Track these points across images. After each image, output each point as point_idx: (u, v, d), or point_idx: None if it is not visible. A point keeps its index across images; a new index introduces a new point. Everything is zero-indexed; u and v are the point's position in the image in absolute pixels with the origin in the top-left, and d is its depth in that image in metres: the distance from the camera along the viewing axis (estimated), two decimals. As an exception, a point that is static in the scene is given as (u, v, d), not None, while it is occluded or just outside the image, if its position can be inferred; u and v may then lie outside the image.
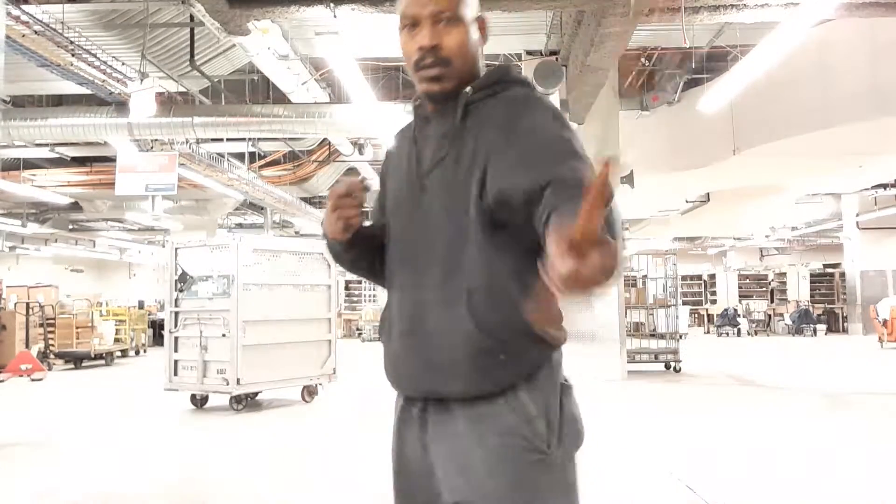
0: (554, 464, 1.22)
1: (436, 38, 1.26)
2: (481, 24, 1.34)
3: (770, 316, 21.47)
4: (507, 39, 9.08)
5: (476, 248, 1.23)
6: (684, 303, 16.30)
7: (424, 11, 1.27)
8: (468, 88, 1.30)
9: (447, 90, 1.29)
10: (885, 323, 14.81)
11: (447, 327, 1.23)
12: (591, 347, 9.15)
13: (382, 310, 1.43)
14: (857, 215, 18.80)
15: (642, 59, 10.68)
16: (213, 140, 11.49)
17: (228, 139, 11.80)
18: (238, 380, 7.17)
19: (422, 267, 1.29)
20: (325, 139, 12.70)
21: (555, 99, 7.92)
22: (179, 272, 7.85)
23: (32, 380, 10.62)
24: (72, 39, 7.41)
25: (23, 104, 10.83)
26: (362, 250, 1.46)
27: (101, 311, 15.46)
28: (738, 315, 20.67)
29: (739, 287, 22.55)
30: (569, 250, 0.86)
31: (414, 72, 1.30)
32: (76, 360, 12.92)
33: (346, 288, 24.25)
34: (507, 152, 1.20)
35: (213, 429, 6.56)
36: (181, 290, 7.80)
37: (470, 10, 1.30)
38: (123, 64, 8.33)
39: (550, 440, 1.22)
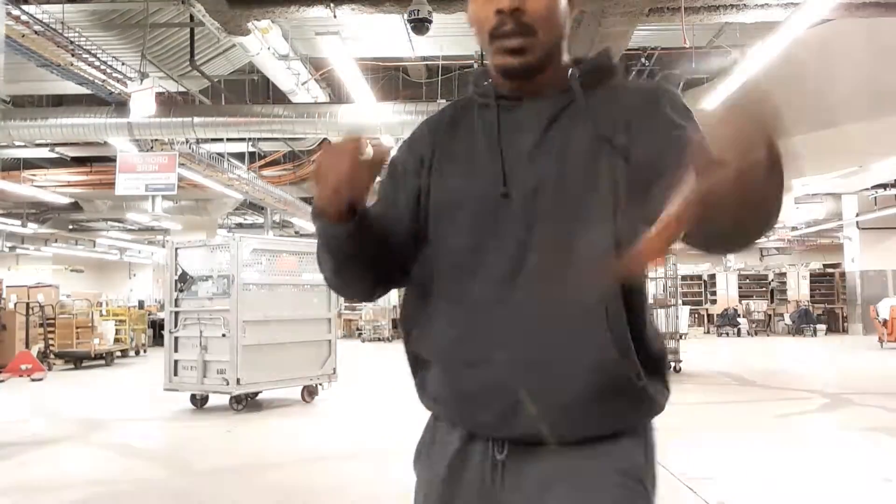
0: None
1: (517, 2, 1.03)
2: None
3: (770, 316, 21.46)
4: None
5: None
6: (684, 303, 16.27)
7: None
8: (573, 70, 1.08)
9: (529, 64, 1.05)
10: (885, 323, 14.79)
11: (575, 355, 0.99)
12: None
13: (415, 325, 1.14)
14: (857, 215, 18.80)
15: (642, 59, 10.67)
16: (213, 140, 11.48)
17: (228, 139, 11.79)
18: (238, 380, 7.16)
19: (528, 278, 1.02)
20: (325, 139, 12.69)
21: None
22: (179, 272, 7.85)
23: (32, 380, 10.62)
24: (72, 39, 7.41)
25: (23, 104, 10.82)
26: (368, 240, 1.07)
27: (101, 311, 15.44)
28: (739, 315, 20.66)
29: (739, 287, 22.51)
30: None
31: (488, 42, 1.06)
32: (76, 360, 12.91)
33: (346, 288, 24.14)
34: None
35: (213, 429, 6.56)
36: (181, 290, 7.80)
37: None
38: (123, 64, 8.33)
39: (654, 486, 1.07)
